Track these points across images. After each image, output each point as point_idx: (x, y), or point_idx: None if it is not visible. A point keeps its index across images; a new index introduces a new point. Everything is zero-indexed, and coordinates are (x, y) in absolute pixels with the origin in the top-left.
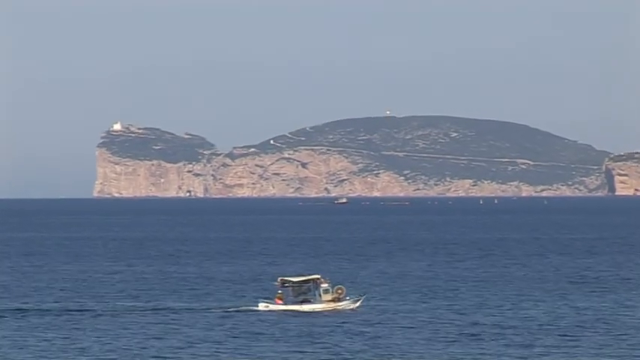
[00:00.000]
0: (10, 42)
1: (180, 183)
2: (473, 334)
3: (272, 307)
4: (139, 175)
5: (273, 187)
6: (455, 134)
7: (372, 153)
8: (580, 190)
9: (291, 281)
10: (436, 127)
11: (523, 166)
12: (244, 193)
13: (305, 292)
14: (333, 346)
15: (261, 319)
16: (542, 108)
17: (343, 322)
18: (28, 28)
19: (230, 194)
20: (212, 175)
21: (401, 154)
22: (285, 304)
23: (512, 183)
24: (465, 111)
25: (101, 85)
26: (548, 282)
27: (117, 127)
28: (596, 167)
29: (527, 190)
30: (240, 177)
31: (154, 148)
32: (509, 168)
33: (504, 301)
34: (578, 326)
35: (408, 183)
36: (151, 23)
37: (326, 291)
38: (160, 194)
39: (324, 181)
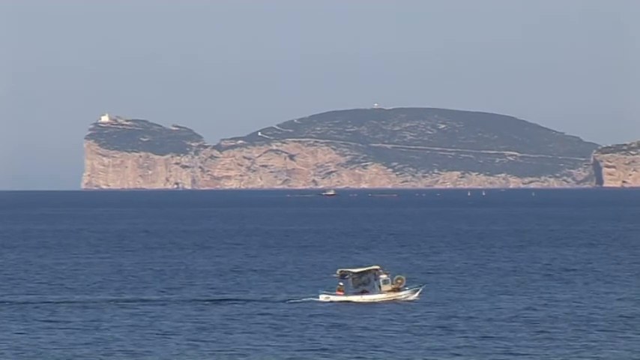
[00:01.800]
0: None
1: (167, 175)
2: (447, 326)
3: (333, 298)
4: (126, 167)
5: (261, 179)
6: (443, 126)
7: (359, 145)
8: (568, 182)
9: (350, 272)
10: (424, 119)
11: (511, 158)
12: (232, 185)
13: (365, 282)
14: (307, 339)
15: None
16: (530, 100)
17: (317, 315)
18: (19, 19)
19: (218, 186)
20: (200, 167)
21: (389, 145)
22: (346, 295)
23: (499, 175)
24: (452, 103)
25: (89, 76)
26: (523, 274)
27: (105, 118)
28: (583, 159)
29: (514, 182)
30: (227, 169)
31: (141, 140)
32: (497, 160)
33: (480, 293)
34: (551, 318)
35: (396, 175)
36: (140, 16)
37: (385, 281)
38: (147, 186)
39: (312, 172)
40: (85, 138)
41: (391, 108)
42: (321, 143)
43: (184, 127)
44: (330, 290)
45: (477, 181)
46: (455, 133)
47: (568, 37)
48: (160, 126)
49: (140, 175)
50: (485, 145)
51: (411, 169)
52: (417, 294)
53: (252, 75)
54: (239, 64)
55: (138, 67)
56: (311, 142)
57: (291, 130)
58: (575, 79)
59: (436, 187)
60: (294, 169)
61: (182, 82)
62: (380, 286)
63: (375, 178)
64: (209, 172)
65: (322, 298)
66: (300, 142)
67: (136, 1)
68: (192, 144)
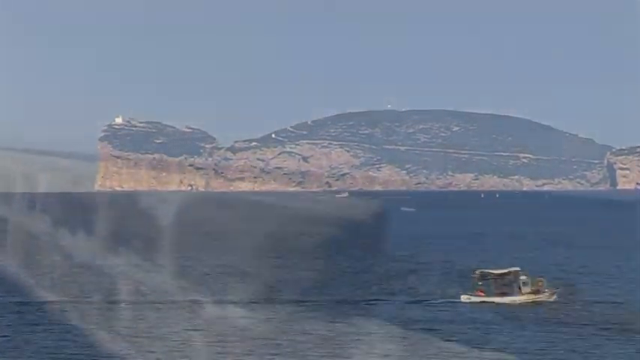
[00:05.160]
0: (14, 34)
1: (181, 177)
2: (432, 329)
3: (474, 299)
4: (140, 168)
5: (275, 181)
6: (456, 128)
7: (373, 147)
8: (582, 184)
9: (491, 273)
10: (438, 121)
11: (524, 160)
12: (245, 186)
13: (506, 284)
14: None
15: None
16: (544, 102)
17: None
18: (32, 20)
19: (231, 188)
20: (213, 169)
21: (402, 147)
22: (487, 296)
23: (513, 177)
24: (466, 105)
25: (102, 78)
26: None
27: (118, 120)
28: (597, 161)
29: (528, 184)
30: (241, 171)
31: (155, 142)
32: (511, 162)
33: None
34: (537, 322)
35: (410, 177)
36: (154, 17)
37: (525, 283)
38: (161, 188)
39: (326, 175)
40: (99, 140)
41: (405, 110)
42: (335, 145)
43: (198, 129)
44: (469, 291)
45: (490, 183)
46: (468, 135)
47: (583, 38)
48: (174, 127)
49: (154, 177)
50: (498, 147)
51: (424, 171)
52: (555, 296)
53: (266, 77)
54: (252, 65)
55: (151, 69)
56: (325, 144)
57: (304, 132)
58: (588, 81)
59: (450, 189)
60: (307, 171)
61: (195, 83)
62: (520, 288)
63: (389, 180)
64: (223, 174)
65: (464, 298)
66: (313, 143)
67: (149, 1)
68: (206, 146)
